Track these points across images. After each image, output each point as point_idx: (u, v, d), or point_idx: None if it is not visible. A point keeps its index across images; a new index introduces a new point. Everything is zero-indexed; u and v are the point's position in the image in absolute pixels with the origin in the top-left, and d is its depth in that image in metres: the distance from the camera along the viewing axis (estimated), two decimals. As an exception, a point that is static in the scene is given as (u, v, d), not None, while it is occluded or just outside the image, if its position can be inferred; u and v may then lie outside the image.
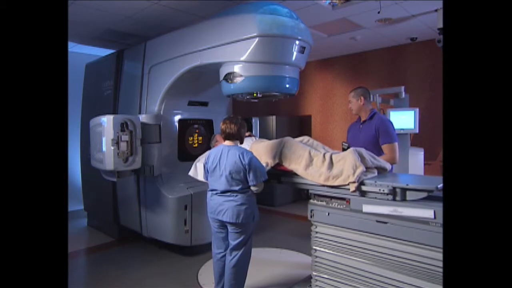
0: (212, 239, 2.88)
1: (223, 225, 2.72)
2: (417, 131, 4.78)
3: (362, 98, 3.13)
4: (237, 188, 2.61)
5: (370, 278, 2.27)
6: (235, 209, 2.59)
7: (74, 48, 5.43)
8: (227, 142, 2.75)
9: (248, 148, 2.99)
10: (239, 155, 2.60)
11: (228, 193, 2.63)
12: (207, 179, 2.84)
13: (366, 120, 3.14)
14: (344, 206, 2.41)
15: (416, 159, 4.80)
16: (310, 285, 2.64)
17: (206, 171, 2.83)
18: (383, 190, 2.20)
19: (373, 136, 3.00)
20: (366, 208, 2.27)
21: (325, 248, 2.51)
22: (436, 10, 3.99)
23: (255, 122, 6.70)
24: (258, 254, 4.01)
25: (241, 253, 2.69)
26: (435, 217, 1.97)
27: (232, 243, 2.70)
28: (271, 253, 4.06)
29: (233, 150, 2.65)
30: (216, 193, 2.69)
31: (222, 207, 2.63)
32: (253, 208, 2.68)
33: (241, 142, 2.81)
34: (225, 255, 2.77)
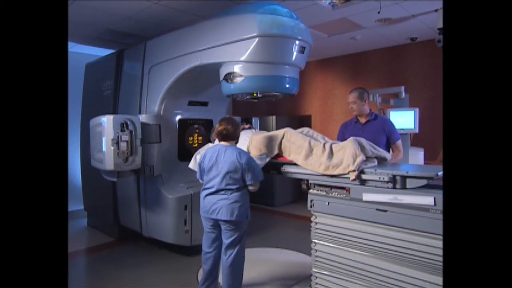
0: (203, 237, 2.91)
1: (215, 224, 2.76)
2: (417, 131, 4.78)
3: (367, 100, 3.19)
4: (233, 187, 2.66)
5: (371, 272, 2.26)
6: (229, 206, 2.64)
7: (74, 48, 5.43)
8: (223, 143, 2.77)
9: (248, 140, 3.03)
10: (236, 155, 2.64)
11: (223, 192, 2.67)
12: (202, 179, 2.86)
13: (369, 120, 3.18)
14: (344, 195, 2.41)
15: (416, 159, 4.80)
16: (310, 285, 2.64)
17: (202, 170, 2.84)
18: (383, 178, 2.20)
19: (381, 136, 3.04)
20: (366, 196, 2.27)
21: (324, 241, 2.51)
22: (436, 10, 3.99)
23: (255, 122, 6.70)
24: (258, 254, 4.01)
25: (236, 252, 2.72)
26: (435, 204, 1.97)
27: (226, 241, 2.74)
28: (271, 253, 4.06)
29: (230, 150, 2.69)
30: (210, 192, 2.72)
31: (216, 206, 2.67)
32: (246, 206, 2.73)
33: (237, 142, 2.85)
34: (214, 254, 2.82)
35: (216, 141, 2.99)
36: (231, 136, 2.75)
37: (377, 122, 3.16)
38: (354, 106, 3.22)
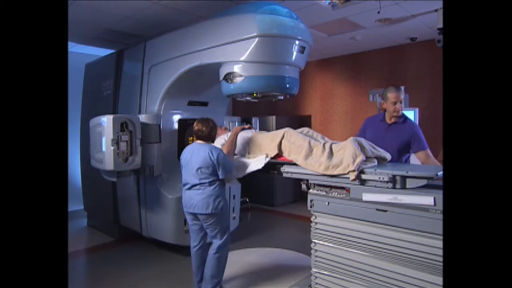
0: (190, 233, 3.10)
1: (196, 217, 2.96)
2: (417, 131, 4.77)
3: None
4: (206, 181, 2.86)
5: (371, 272, 2.26)
6: (204, 201, 2.84)
7: (74, 48, 5.42)
8: (199, 141, 3.00)
9: (247, 139, 3.11)
10: (208, 152, 2.85)
11: (198, 186, 2.87)
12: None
13: (396, 122, 2.94)
14: (344, 195, 2.40)
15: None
16: (310, 285, 2.64)
17: (181, 166, 3.04)
18: (383, 178, 2.19)
19: (406, 141, 2.87)
20: (366, 196, 2.27)
21: (324, 241, 2.51)
22: (436, 10, 3.99)
23: (255, 122, 6.70)
24: (258, 254, 4.02)
25: (221, 243, 2.91)
26: (435, 204, 1.97)
27: (210, 234, 2.95)
28: (271, 253, 4.06)
29: (203, 147, 2.91)
30: (188, 187, 2.92)
31: (193, 200, 2.88)
32: (220, 199, 2.89)
33: (212, 142, 3.06)
34: (200, 247, 3.04)
35: (220, 137, 3.27)
36: (205, 137, 2.97)
37: (404, 126, 2.91)
38: (399, 106, 2.87)
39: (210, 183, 2.86)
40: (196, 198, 2.86)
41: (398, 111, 2.89)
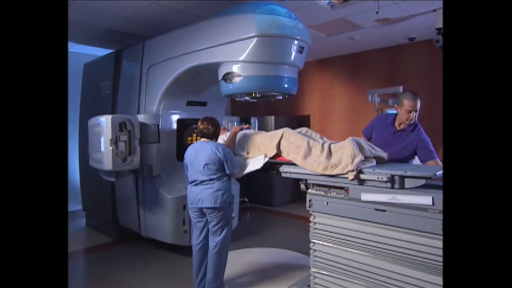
0: (192, 232, 3.12)
1: (202, 213, 2.97)
2: (416, 131, 4.77)
3: None
4: (214, 177, 2.90)
5: (370, 272, 2.27)
6: (213, 195, 2.87)
7: (73, 48, 5.41)
8: (203, 139, 3.05)
9: (246, 139, 3.13)
10: (214, 149, 2.91)
11: (205, 182, 2.91)
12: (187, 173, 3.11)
13: (404, 130, 2.84)
14: (342, 195, 2.41)
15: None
16: (309, 285, 2.64)
17: (185, 166, 3.08)
18: (382, 178, 2.20)
19: (412, 150, 2.79)
20: (365, 196, 2.27)
21: (323, 241, 2.51)
22: (434, 10, 4.00)
23: (254, 122, 6.69)
24: (257, 254, 4.02)
25: (221, 238, 2.93)
26: (433, 204, 1.98)
27: (212, 229, 2.96)
28: (270, 253, 4.06)
29: (208, 144, 2.97)
30: (195, 184, 2.95)
31: (201, 195, 2.90)
32: (228, 194, 2.95)
33: (216, 140, 3.12)
34: (203, 245, 3.03)
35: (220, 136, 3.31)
36: (210, 135, 3.03)
37: (412, 135, 2.80)
38: (413, 116, 2.76)
39: (218, 178, 2.91)
40: (204, 192, 2.88)
41: (410, 120, 2.77)
